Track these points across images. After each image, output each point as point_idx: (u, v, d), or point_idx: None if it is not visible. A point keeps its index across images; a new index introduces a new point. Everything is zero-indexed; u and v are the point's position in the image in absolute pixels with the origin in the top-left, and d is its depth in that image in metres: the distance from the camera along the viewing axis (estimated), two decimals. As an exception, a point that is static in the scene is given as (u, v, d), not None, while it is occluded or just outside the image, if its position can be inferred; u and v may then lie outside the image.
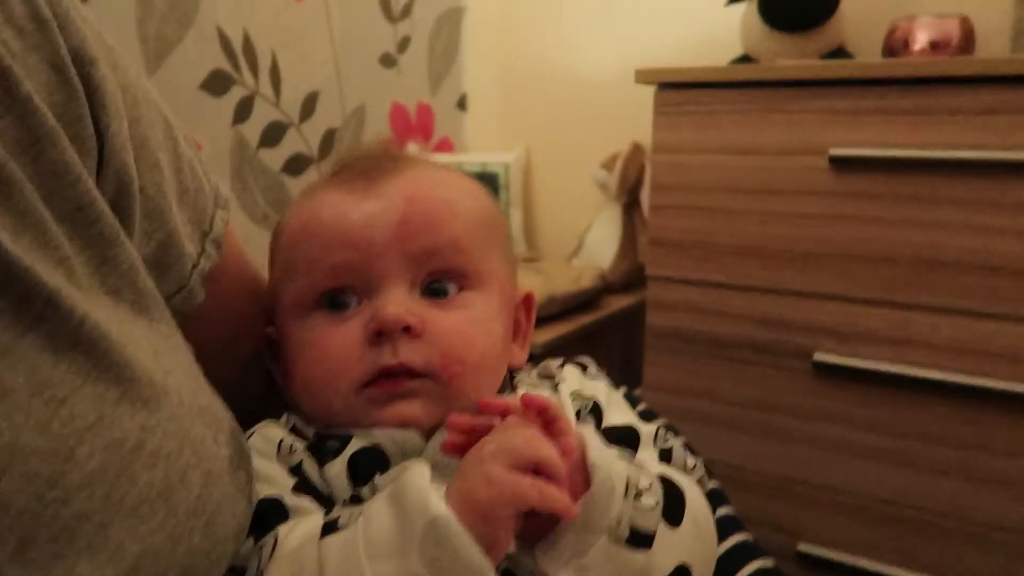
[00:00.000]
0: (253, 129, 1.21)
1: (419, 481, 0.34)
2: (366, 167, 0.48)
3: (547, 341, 1.14)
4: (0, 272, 0.28)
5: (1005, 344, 0.90)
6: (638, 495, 0.36)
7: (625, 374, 1.33)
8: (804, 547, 1.03)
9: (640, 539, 0.35)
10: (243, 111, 1.19)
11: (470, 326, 0.45)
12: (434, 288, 0.45)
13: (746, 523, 0.65)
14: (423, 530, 0.32)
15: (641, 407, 0.57)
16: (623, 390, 0.57)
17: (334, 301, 0.45)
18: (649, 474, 0.38)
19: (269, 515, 0.38)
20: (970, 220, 0.90)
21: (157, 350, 0.34)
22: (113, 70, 0.37)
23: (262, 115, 1.22)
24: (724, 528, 0.62)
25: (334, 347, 0.44)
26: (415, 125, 1.55)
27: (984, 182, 0.89)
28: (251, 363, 0.53)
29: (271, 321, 0.51)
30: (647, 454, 0.45)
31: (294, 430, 0.45)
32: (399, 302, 0.43)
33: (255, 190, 1.23)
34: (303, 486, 0.41)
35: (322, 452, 0.42)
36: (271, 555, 0.36)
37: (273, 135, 1.25)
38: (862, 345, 0.98)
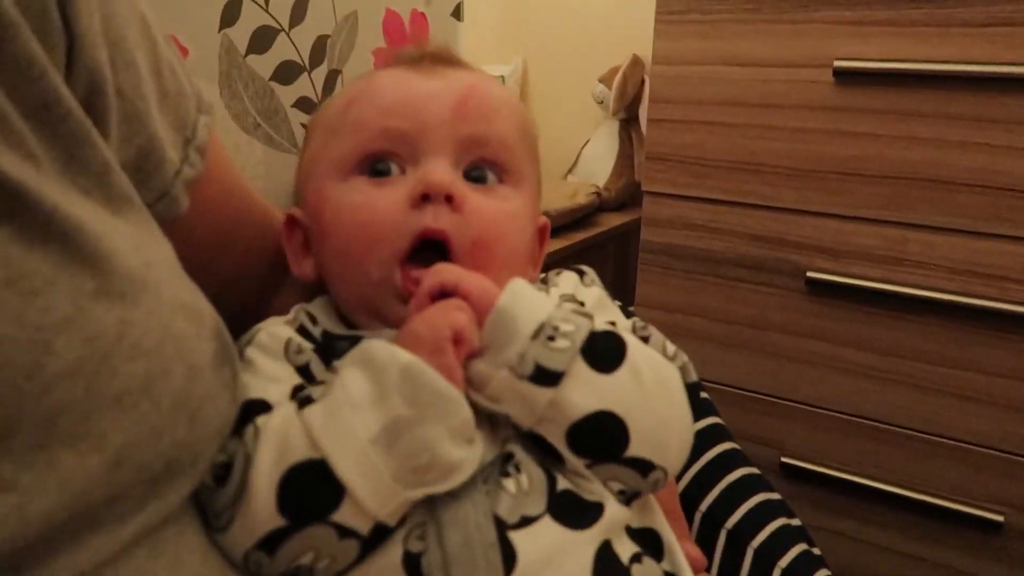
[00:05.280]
0: (241, 34, 1.17)
1: (381, 343, 0.37)
2: (429, 54, 0.50)
3: (541, 256, 1.14)
4: None
5: (998, 264, 0.90)
6: (552, 338, 0.38)
7: (618, 292, 1.33)
8: (787, 459, 1.06)
9: (546, 376, 0.37)
10: (230, 14, 1.14)
11: (506, 217, 0.46)
12: (474, 175, 0.46)
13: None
14: (398, 376, 0.35)
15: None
16: (617, 305, 0.57)
17: (376, 167, 0.45)
18: (583, 323, 0.39)
19: (253, 414, 0.38)
20: (974, 137, 0.88)
21: (136, 245, 0.33)
22: None
23: (250, 19, 1.18)
24: (712, 436, 0.63)
25: (376, 209, 0.44)
26: (409, 34, 1.49)
27: (993, 98, 0.87)
28: (232, 281, 0.52)
29: (297, 204, 0.51)
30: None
31: (301, 330, 0.45)
32: (445, 171, 0.44)
33: (245, 98, 1.20)
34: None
35: (330, 353, 0.42)
36: (255, 437, 0.36)
37: (262, 40, 1.21)
38: (856, 263, 0.97)
